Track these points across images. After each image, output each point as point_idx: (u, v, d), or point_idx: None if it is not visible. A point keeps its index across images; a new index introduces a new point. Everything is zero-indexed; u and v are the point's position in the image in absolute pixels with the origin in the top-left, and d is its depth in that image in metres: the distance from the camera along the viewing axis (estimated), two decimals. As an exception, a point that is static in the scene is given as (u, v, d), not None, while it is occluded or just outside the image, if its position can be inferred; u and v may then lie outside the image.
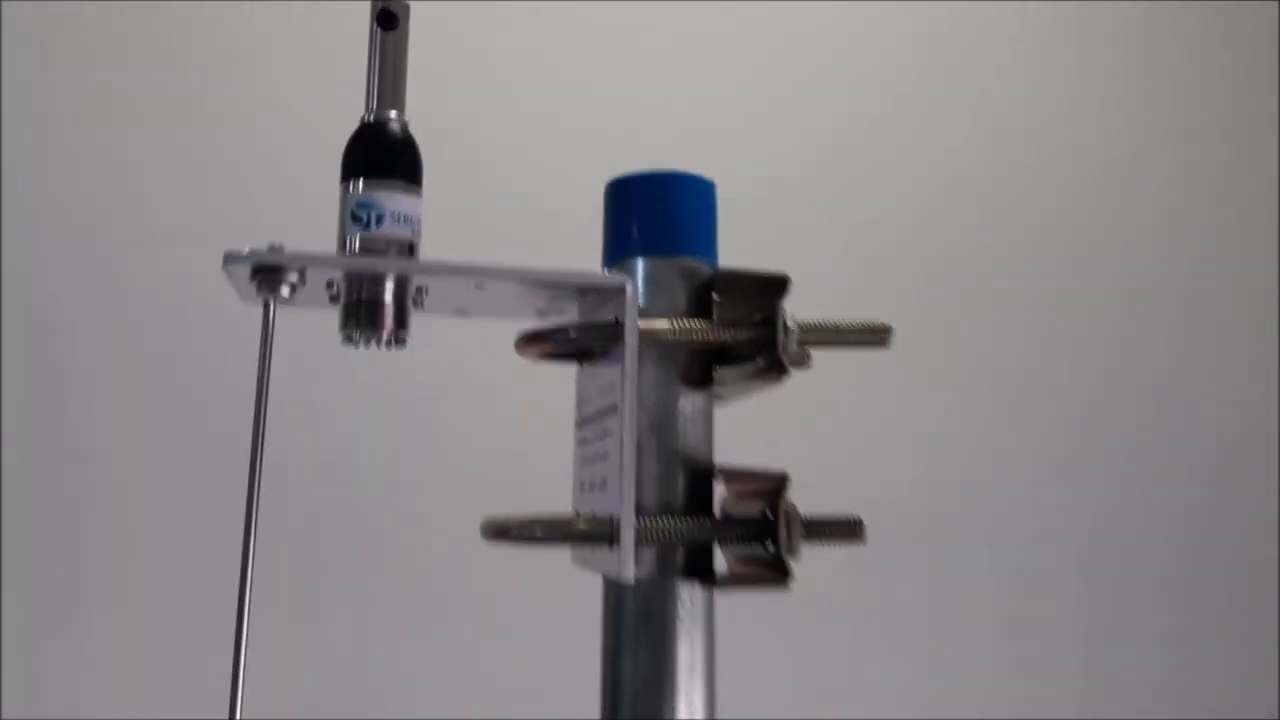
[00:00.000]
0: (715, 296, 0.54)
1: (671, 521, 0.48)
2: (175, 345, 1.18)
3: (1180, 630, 1.53)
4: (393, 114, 0.52)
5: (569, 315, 0.57)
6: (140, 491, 1.16)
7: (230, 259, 0.45)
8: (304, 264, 0.46)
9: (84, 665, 1.12)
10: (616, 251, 0.54)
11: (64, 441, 1.16)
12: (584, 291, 0.53)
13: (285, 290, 0.46)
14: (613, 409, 0.48)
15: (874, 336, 0.52)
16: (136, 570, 1.15)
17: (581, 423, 0.56)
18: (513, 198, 1.31)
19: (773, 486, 0.48)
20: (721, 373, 0.54)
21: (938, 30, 1.55)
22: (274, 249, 0.46)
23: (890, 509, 1.37)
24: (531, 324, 0.55)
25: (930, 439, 1.46)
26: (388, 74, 0.52)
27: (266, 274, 0.46)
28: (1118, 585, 1.52)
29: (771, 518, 0.47)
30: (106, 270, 1.19)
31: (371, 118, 0.51)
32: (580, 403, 0.57)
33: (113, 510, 1.16)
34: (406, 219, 0.50)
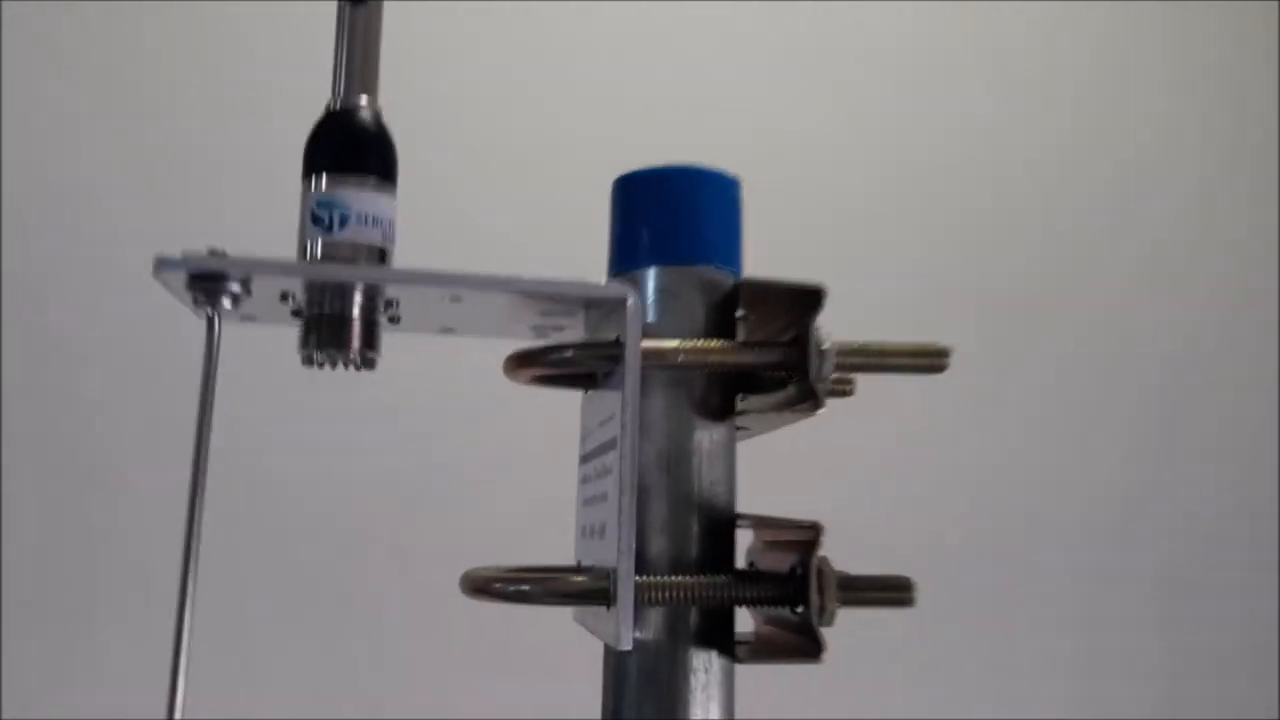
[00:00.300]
0: (740, 312, 0.47)
1: (682, 578, 0.41)
2: (189, 359, 1.13)
3: (1262, 674, 1.43)
4: (363, 100, 0.45)
5: (571, 334, 0.50)
6: (149, 502, 1.11)
7: (162, 265, 0.39)
8: (248, 271, 0.39)
9: (92, 678, 1.07)
10: (624, 259, 0.47)
11: (74, 454, 1.12)
12: (589, 306, 0.46)
13: (227, 302, 0.40)
14: (614, 443, 0.41)
15: (928, 361, 0.45)
16: (144, 584, 1.10)
17: (584, 459, 0.49)
18: (509, 200, 1.24)
19: (804, 538, 0.41)
20: (746, 402, 0.47)
21: (1002, 48, 1.47)
22: (214, 253, 0.40)
23: (942, 552, 1.30)
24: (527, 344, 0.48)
25: (986, 475, 1.38)
26: (357, 54, 0.46)
27: (206, 283, 0.40)
28: (1191, 630, 1.43)
29: (802, 576, 0.40)
30: (110, 276, 1.15)
31: (338, 104, 0.45)
32: (583, 436, 0.50)
33: (120, 523, 1.11)
34: (376, 221, 0.44)
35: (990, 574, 1.35)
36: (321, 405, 1.15)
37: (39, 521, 1.10)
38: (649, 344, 0.42)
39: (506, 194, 1.24)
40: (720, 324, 0.46)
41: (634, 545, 0.39)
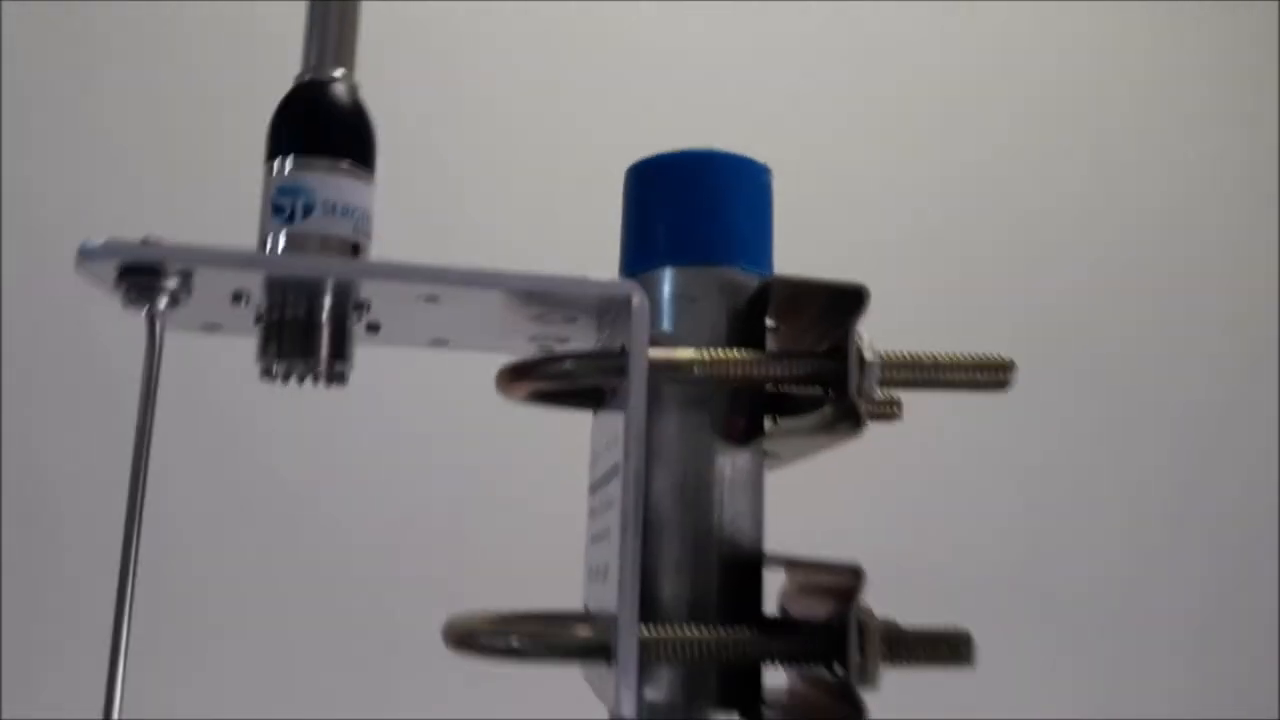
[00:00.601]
0: (770, 321, 0.41)
1: (699, 632, 0.35)
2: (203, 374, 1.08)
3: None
4: (338, 72, 0.40)
5: (578, 347, 0.45)
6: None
7: (85, 254, 0.34)
8: (187, 262, 0.34)
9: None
10: (637, 259, 0.42)
11: (77, 461, 1.07)
12: (600, 314, 0.41)
13: (163, 301, 0.35)
14: (613, 473, 0.36)
15: (989, 376, 0.39)
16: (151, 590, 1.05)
17: (592, 488, 0.44)
18: (511, 199, 1.17)
19: (842, 584, 0.35)
20: (775, 424, 0.41)
21: (1046, 65, 1.42)
22: (147, 242, 0.34)
23: (975, 582, 1.23)
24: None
25: (1017, 503, 1.31)
26: (332, 19, 0.41)
27: (138, 277, 0.35)
28: (1231, 671, 1.34)
29: (839, 629, 0.34)
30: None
31: (309, 75, 0.40)
32: (591, 462, 0.44)
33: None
34: (348, 212, 0.39)
35: (1016, 606, 1.27)
36: (350, 416, 1.10)
37: (42, 527, 1.06)
38: (660, 354, 0.36)
39: (508, 191, 1.18)
40: (747, 333, 0.40)
41: (638, 591, 0.33)
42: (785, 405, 0.41)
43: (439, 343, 0.46)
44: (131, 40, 1.15)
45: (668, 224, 0.41)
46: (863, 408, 0.35)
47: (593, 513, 0.43)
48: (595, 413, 0.45)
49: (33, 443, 1.07)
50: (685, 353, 0.37)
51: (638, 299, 0.35)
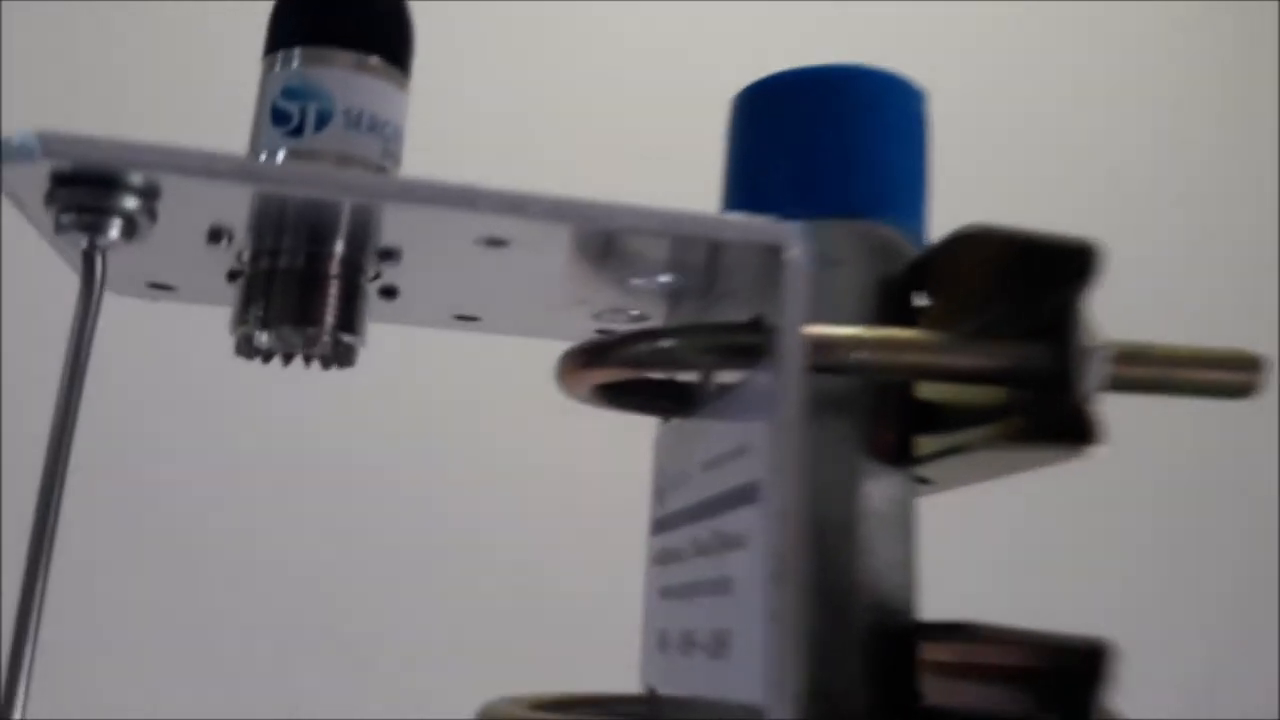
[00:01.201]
0: (924, 296, 0.32)
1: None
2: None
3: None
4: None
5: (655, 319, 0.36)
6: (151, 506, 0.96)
7: (12, 153, 0.24)
8: (155, 169, 0.25)
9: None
10: (748, 207, 0.33)
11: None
12: (677, 295, 0.32)
13: (113, 230, 0.26)
14: (738, 499, 0.27)
15: (1231, 378, 0.30)
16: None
17: (660, 525, 0.35)
18: (578, 124, 1.03)
19: (1058, 666, 0.26)
20: (926, 441, 0.32)
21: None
22: (89, 142, 0.25)
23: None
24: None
25: (1098, 565, 1.23)
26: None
27: (80, 192, 0.25)
28: None
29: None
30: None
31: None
32: (661, 488, 0.35)
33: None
34: (375, 125, 0.30)
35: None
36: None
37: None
38: (813, 332, 0.28)
39: (573, 118, 1.03)
40: (895, 311, 0.32)
41: (794, 683, 0.24)
42: (931, 415, 0.33)
43: (466, 320, 0.37)
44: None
45: (795, 162, 0.32)
46: (1093, 416, 0.27)
47: (665, 559, 0.34)
48: (665, 422, 0.36)
49: (32, 442, 0.96)
50: (846, 331, 0.28)
51: (797, 250, 0.26)
